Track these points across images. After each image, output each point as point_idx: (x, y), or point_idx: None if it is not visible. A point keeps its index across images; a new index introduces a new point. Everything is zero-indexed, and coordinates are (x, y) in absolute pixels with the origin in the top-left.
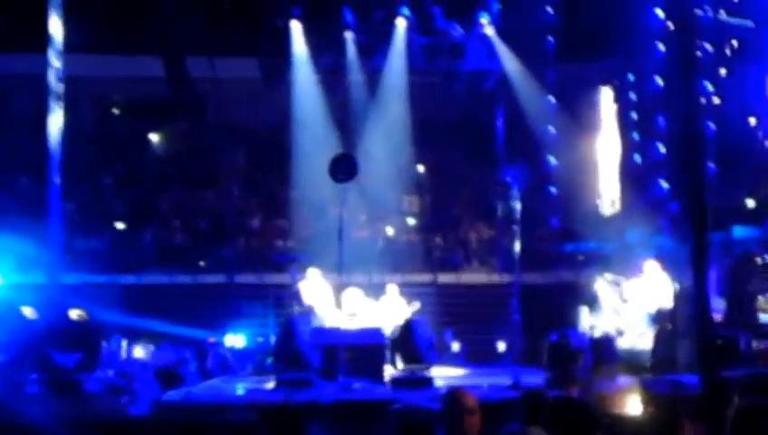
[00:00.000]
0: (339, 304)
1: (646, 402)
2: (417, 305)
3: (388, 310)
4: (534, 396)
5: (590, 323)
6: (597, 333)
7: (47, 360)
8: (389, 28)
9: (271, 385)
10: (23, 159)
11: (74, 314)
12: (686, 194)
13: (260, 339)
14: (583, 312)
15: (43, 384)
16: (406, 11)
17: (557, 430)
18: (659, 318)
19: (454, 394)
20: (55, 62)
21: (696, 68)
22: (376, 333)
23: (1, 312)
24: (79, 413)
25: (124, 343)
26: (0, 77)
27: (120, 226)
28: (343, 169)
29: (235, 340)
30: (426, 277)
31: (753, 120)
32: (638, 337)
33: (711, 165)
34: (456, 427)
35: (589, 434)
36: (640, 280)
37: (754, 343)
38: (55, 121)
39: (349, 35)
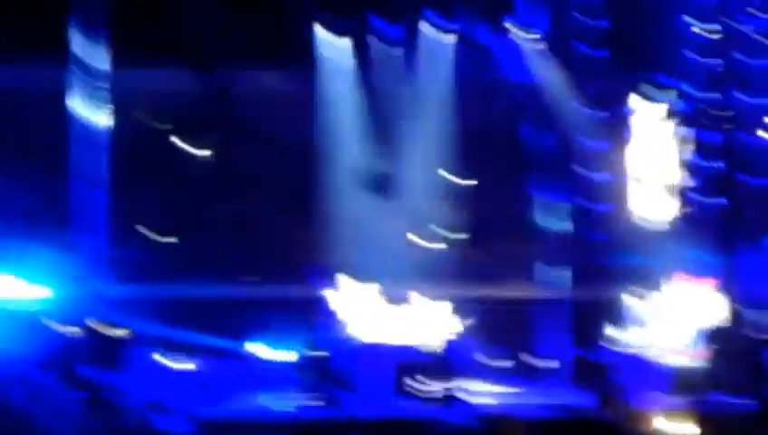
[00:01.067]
0: (375, 317)
1: (698, 424)
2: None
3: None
4: (568, 417)
5: (629, 339)
6: (636, 351)
7: (78, 375)
8: (423, 39)
9: (308, 401)
10: (63, 170)
11: (106, 328)
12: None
13: (301, 353)
14: (622, 328)
15: (74, 401)
16: (441, 21)
17: None
18: (708, 336)
19: (499, 421)
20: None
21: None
22: (415, 350)
23: (31, 325)
24: (112, 429)
25: (164, 357)
26: (38, 87)
27: (159, 237)
28: (377, 183)
29: (277, 354)
30: (467, 292)
31: None
32: (680, 355)
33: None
34: None
35: None
36: (681, 295)
37: None
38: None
39: (378, 44)
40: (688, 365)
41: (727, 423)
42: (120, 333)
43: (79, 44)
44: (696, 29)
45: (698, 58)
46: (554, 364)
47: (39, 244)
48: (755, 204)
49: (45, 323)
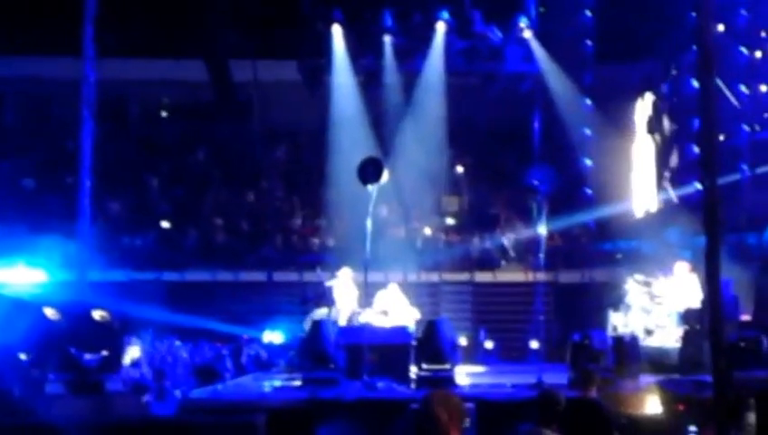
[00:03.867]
0: (370, 303)
1: (666, 402)
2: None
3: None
4: (549, 397)
5: (619, 322)
6: (622, 333)
7: (69, 359)
8: (429, 31)
9: (297, 383)
10: (67, 160)
11: (97, 314)
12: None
13: (298, 335)
14: (612, 311)
15: (64, 384)
16: (445, 15)
17: (571, 430)
18: (688, 318)
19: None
20: (88, 68)
21: (732, 70)
22: (402, 333)
23: (24, 311)
24: (99, 412)
25: (163, 341)
26: (47, 80)
27: (164, 224)
28: (371, 171)
29: (273, 336)
30: (463, 276)
31: None
32: (666, 337)
33: (745, 167)
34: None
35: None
36: (671, 280)
37: None
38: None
39: (387, 39)
40: (672, 346)
41: (702, 402)
42: (111, 316)
43: (83, 35)
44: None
45: (691, 46)
46: (544, 345)
47: (38, 231)
48: (743, 191)
49: (40, 307)
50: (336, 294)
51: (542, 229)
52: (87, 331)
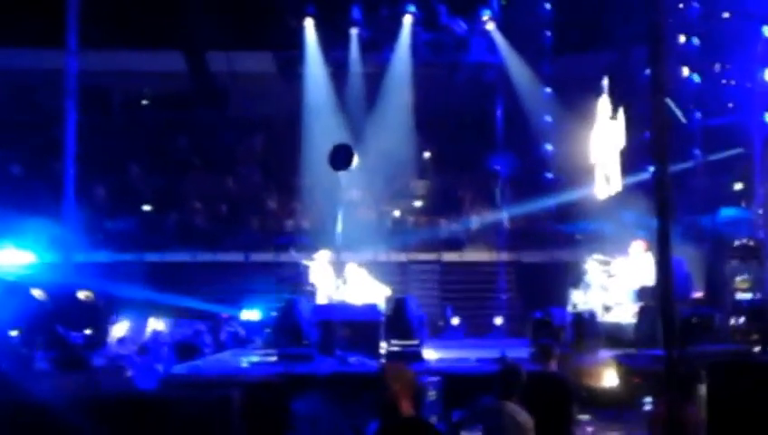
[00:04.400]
0: (345, 282)
1: (623, 375)
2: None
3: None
4: (510, 371)
5: (579, 299)
6: (581, 310)
7: (56, 337)
8: (397, 24)
9: (273, 359)
10: (53, 148)
11: (82, 294)
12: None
13: (273, 313)
14: (572, 289)
15: (51, 361)
16: (412, 8)
17: (532, 403)
18: (643, 295)
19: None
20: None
21: (681, 58)
22: (372, 310)
23: (12, 292)
24: (84, 387)
25: (146, 319)
26: (33, 72)
27: (146, 208)
28: (341, 158)
29: (251, 314)
30: (431, 256)
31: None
32: (623, 313)
33: (698, 153)
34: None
35: (563, 407)
36: (628, 259)
37: (732, 321)
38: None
39: (354, 31)
40: (628, 322)
41: (657, 375)
42: (96, 296)
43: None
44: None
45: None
46: (503, 321)
47: (26, 214)
48: (696, 174)
49: (28, 288)
50: (312, 274)
51: (505, 212)
52: (73, 310)
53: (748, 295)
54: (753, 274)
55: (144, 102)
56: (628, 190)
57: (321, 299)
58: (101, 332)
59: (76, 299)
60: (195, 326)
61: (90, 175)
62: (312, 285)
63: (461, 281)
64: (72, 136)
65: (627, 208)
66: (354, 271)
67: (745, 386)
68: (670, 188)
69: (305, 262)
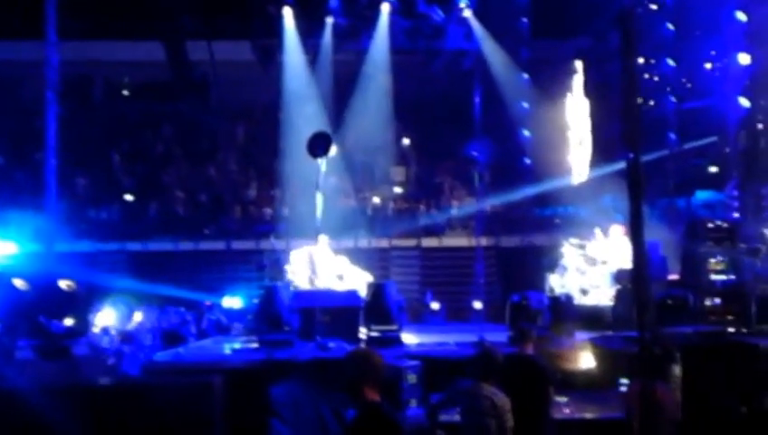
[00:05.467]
0: (327, 268)
1: (599, 357)
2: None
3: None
4: (488, 354)
5: (556, 283)
6: (558, 294)
7: (38, 327)
8: (374, 12)
9: (254, 345)
10: (34, 138)
11: (64, 283)
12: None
13: (255, 301)
14: (550, 273)
15: (34, 350)
16: None
17: (509, 385)
18: (620, 278)
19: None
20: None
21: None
22: (352, 296)
23: None
24: (67, 375)
25: (130, 308)
26: (14, 63)
27: (128, 198)
28: (319, 145)
29: (232, 302)
30: (411, 242)
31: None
32: (600, 296)
33: (673, 135)
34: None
35: (540, 389)
36: (605, 242)
37: (707, 302)
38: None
39: (330, 20)
40: (605, 304)
41: (632, 356)
42: (77, 285)
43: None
44: None
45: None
46: (482, 306)
47: (8, 205)
48: (671, 158)
49: (9, 278)
50: (295, 262)
51: (483, 197)
52: (54, 299)
53: (722, 277)
54: (727, 255)
55: (125, 92)
56: (605, 175)
57: (304, 285)
58: (83, 321)
59: (58, 288)
60: (180, 314)
61: (71, 165)
62: (293, 272)
63: (441, 266)
64: (53, 127)
65: (605, 193)
66: (334, 258)
67: (720, 366)
68: (642, 170)
69: (280, 247)
